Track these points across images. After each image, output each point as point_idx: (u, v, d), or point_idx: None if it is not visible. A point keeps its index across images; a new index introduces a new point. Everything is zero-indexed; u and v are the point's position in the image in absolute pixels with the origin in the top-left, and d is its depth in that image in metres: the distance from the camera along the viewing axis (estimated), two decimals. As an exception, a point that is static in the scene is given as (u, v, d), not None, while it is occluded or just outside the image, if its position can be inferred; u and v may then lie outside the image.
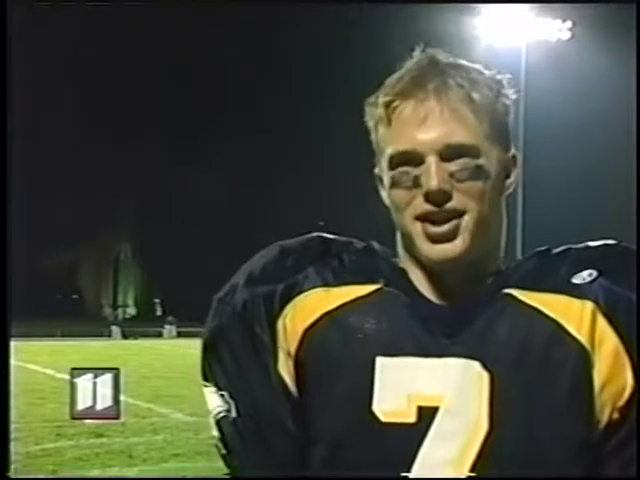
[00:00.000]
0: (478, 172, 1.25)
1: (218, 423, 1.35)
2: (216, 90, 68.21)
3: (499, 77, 1.31)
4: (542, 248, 1.35)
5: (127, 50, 63.37)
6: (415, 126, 1.25)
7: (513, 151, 1.33)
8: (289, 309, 1.32)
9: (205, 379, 1.37)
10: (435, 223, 1.24)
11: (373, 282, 1.32)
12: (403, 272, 1.32)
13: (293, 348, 1.31)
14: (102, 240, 69.02)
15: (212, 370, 1.36)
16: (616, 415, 1.25)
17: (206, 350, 1.37)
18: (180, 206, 67.89)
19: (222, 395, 1.34)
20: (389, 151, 1.27)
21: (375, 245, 1.38)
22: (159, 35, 62.26)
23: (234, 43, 66.69)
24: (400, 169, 1.26)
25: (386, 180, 1.29)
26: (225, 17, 59.40)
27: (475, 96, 1.26)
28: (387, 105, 1.27)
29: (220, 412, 1.34)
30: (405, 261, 1.32)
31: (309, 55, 62.05)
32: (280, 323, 1.32)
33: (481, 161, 1.25)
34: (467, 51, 1.35)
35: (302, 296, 1.32)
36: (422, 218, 1.25)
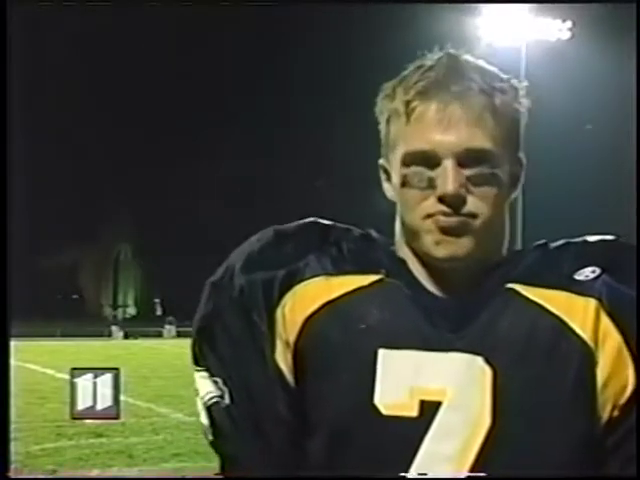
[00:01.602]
0: (493, 178, 1.25)
1: (209, 409, 1.33)
2: (217, 90, 68.21)
3: (516, 84, 1.31)
4: (540, 242, 1.34)
5: (128, 50, 63.36)
6: (436, 128, 1.24)
7: (521, 156, 1.33)
8: (289, 297, 1.31)
9: (196, 364, 1.35)
10: (447, 216, 1.24)
11: (374, 272, 1.31)
12: (403, 263, 1.31)
13: (292, 337, 1.30)
14: (102, 240, 69.02)
15: (205, 356, 1.34)
16: (617, 412, 1.25)
17: (199, 335, 1.35)
18: (180, 206, 67.88)
19: (215, 381, 1.32)
20: (404, 149, 1.26)
21: (373, 233, 1.37)
22: (159, 34, 62.27)
23: (234, 43, 66.67)
24: (414, 168, 1.25)
25: (396, 177, 1.28)
26: (226, 17, 59.39)
27: (497, 102, 1.26)
28: (407, 103, 1.26)
29: (212, 398, 1.32)
30: (403, 252, 1.32)
31: (310, 55, 62.03)
32: (279, 311, 1.31)
33: (496, 168, 1.25)
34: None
35: (302, 284, 1.31)
36: (433, 217, 1.25)
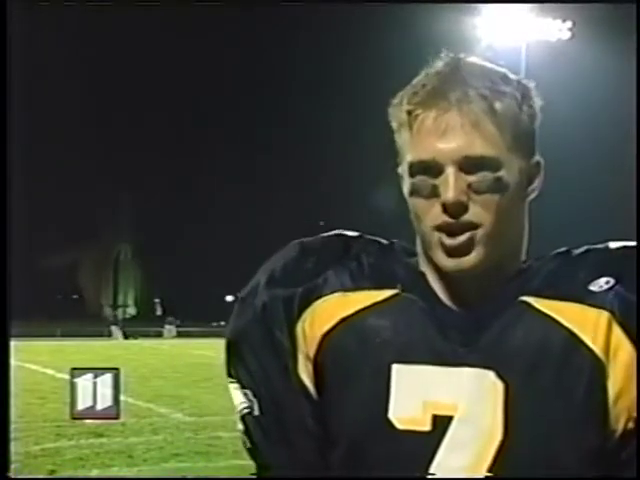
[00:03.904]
0: (497, 185, 1.24)
1: (243, 419, 1.37)
2: (217, 91, 68.22)
3: (525, 83, 1.30)
4: (562, 249, 1.34)
5: (127, 50, 63.35)
6: (435, 136, 1.24)
7: (537, 158, 1.33)
8: (308, 314, 1.34)
9: (229, 375, 1.39)
10: (451, 234, 1.24)
11: (390, 287, 1.32)
12: (422, 276, 1.32)
13: (312, 352, 1.33)
14: (102, 240, 69.00)
15: (235, 368, 1.38)
16: (631, 425, 1.24)
17: (229, 348, 1.39)
18: (180, 206, 67.88)
19: (246, 393, 1.36)
20: (409, 158, 1.27)
21: (396, 245, 1.38)
22: (159, 34, 62.27)
23: (234, 43, 66.67)
24: (419, 177, 1.26)
25: (406, 187, 1.29)
26: (226, 17, 59.40)
27: (497, 107, 1.25)
28: (409, 112, 1.27)
29: (244, 408, 1.37)
30: (424, 264, 1.33)
31: (310, 56, 62.03)
32: (299, 327, 1.34)
33: (501, 173, 1.25)
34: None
35: (320, 301, 1.34)
36: (439, 228, 1.25)
